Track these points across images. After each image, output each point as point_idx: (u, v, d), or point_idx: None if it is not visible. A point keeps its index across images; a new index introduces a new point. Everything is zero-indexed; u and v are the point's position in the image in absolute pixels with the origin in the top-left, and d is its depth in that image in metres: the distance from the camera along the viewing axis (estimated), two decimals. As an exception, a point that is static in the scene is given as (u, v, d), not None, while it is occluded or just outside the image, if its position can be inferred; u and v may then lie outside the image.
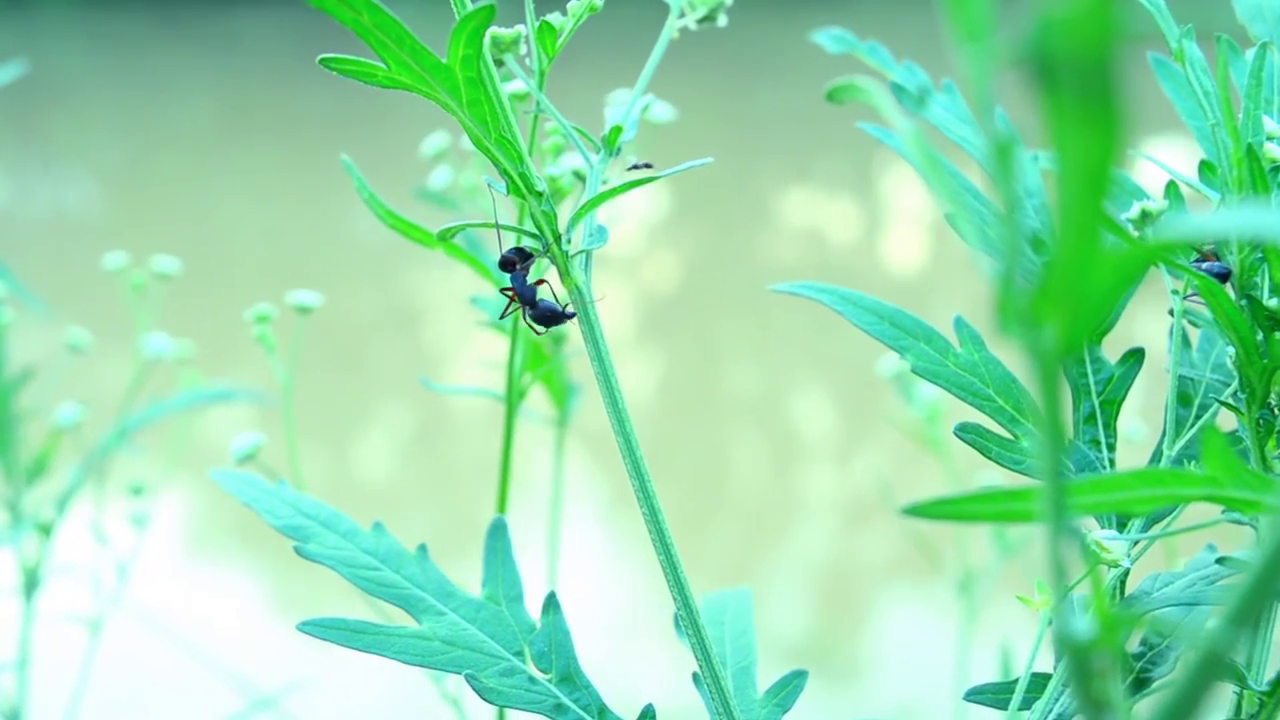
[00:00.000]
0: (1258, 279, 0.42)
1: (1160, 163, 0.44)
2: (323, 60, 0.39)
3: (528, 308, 0.43)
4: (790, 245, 3.43)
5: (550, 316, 0.42)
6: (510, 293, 0.43)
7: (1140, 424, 0.79)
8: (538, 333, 0.43)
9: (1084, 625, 0.28)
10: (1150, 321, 0.49)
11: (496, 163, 0.41)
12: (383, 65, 0.38)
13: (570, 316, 0.42)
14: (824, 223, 3.74)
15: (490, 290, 0.57)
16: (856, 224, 3.76)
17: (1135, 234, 0.41)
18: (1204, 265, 0.42)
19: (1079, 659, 0.28)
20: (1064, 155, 0.23)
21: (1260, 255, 0.42)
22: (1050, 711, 0.42)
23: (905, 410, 0.86)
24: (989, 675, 0.68)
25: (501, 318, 0.43)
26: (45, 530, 0.78)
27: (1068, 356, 0.25)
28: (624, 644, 1.57)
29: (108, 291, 0.79)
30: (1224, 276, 0.42)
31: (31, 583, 0.78)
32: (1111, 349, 0.47)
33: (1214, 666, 0.26)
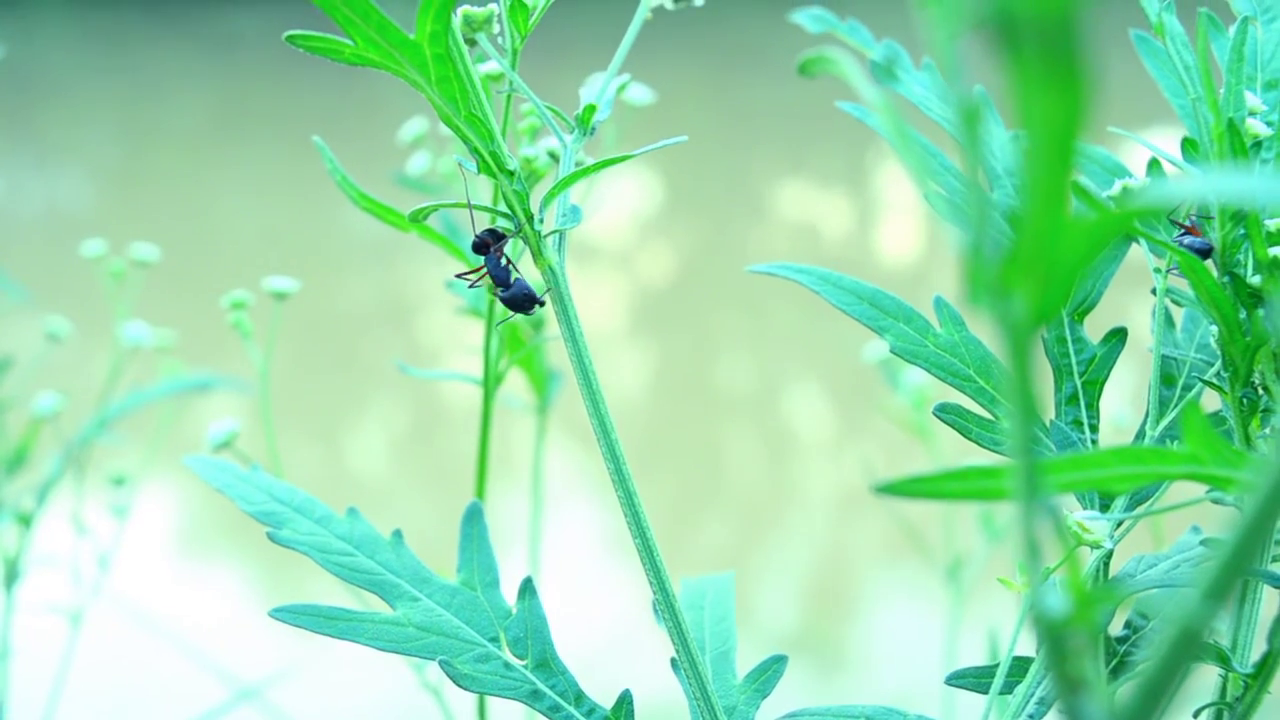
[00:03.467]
0: (1240, 256, 0.42)
1: (1141, 139, 0.44)
2: (289, 37, 0.39)
3: (500, 289, 0.42)
4: (784, 238, 3.43)
5: (520, 301, 0.42)
6: (470, 277, 0.42)
7: (1129, 412, 0.79)
8: (511, 314, 0.42)
9: (1059, 602, 0.27)
10: (1139, 312, 0.48)
11: (467, 141, 0.40)
12: (350, 42, 0.38)
13: (541, 303, 0.42)
14: (817, 216, 3.73)
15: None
16: (850, 217, 3.75)
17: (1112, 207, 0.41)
18: (1186, 241, 0.41)
19: (1054, 637, 0.27)
20: (1029, 118, 0.22)
21: (1243, 232, 0.41)
22: (1032, 695, 0.42)
23: (893, 398, 0.86)
24: (977, 662, 0.67)
25: (472, 284, 0.42)
26: (25, 521, 0.77)
27: (1039, 326, 0.24)
28: (611, 634, 1.57)
29: (100, 286, 0.78)
30: (1205, 253, 0.41)
31: (11, 574, 0.78)
32: (1097, 333, 0.47)
33: (1190, 641, 0.25)
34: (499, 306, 0.56)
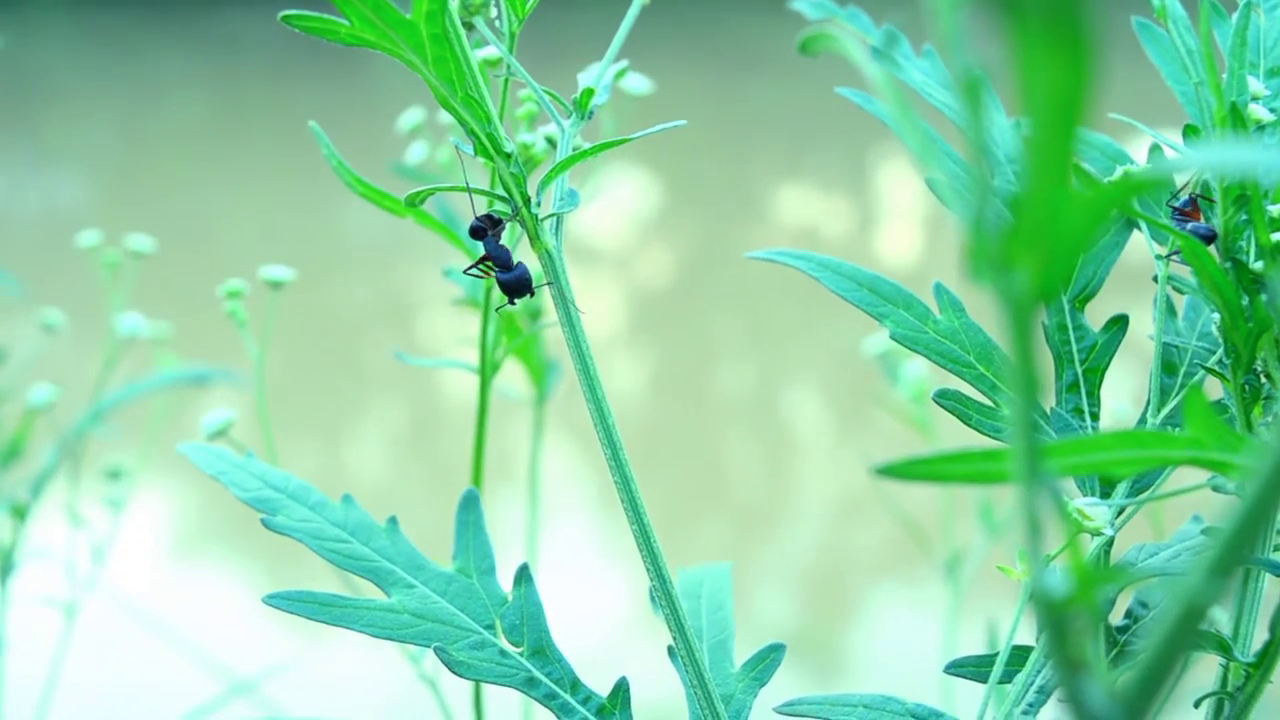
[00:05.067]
0: (1243, 242, 0.42)
1: (1142, 126, 0.43)
2: (284, 17, 0.38)
3: (500, 271, 0.42)
4: (783, 240, 3.42)
5: (521, 284, 0.41)
6: (475, 271, 0.42)
7: (1130, 408, 0.78)
8: (511, 301, 0.42)
9: (1060, 582, 0.27)
10: (1139, 314, 0.48)
11: (464, 123, 0.40)
12: (346, 22, 0.37)
13: (532, 293, 0.41)
14: (817, 217, 3.73)
15: (466, 263, 0.56)
16: (849, 219, 3.75)
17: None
18: (1188, 226, 0.41)
19: (1054, 617, 0.27)
20: (1032, 88, 0.22)
21: (1245, 217, 0.41)
22: (1031, 683, 0.42)
23: (892, 393, 0.85)
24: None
25: (467, 271, 0.42)
26: (20, 513, 0.77)
27: (1041, 302, 0.24)
28: (609, 635, 1.57)
29: (96, 281, 0.78)
30: (1208, 239, 0.41)
31: (6, 567, 0.77)
32: (1098, 325, 0.46)
33: (1193, 620, 0.25)
34: (496, 293, 0.56)
